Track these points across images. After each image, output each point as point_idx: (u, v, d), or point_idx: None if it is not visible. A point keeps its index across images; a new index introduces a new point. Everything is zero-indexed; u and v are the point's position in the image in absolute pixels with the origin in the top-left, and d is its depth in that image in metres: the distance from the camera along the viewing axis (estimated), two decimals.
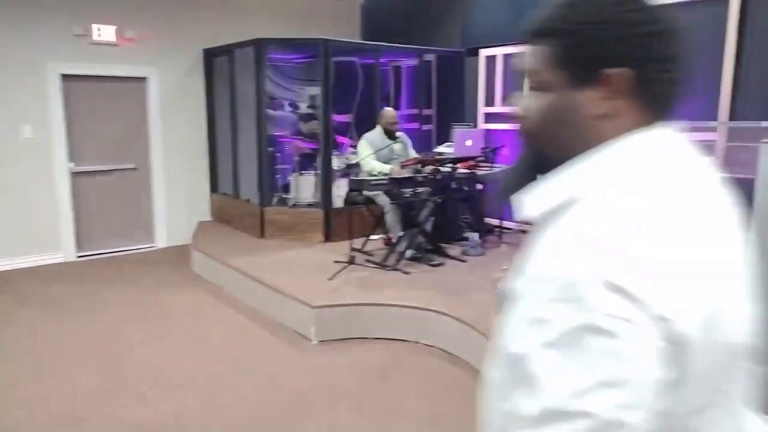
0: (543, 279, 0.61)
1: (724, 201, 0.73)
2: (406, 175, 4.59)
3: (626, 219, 0.62)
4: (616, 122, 0.70)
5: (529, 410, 0.59)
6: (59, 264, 5.64)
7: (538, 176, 0.74)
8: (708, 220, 0.68)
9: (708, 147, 2.18)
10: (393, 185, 4.54)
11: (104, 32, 5.65)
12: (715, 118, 4.18)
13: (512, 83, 5.76)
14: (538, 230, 0.69)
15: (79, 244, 5.81)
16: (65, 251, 5.73)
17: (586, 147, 0.70)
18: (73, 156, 5.69)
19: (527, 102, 0.76)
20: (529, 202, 0.73)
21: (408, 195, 4.68)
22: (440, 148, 5.86)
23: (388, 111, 5.11)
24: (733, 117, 4.17)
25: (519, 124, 0.78)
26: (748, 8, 4.08)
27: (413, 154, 5.20)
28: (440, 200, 4.81)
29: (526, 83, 0.76)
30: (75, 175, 5.73)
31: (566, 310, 0.58)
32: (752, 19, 4.08)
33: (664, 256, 0.60)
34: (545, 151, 0.76)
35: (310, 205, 5.83)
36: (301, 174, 6.08)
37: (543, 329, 0.59)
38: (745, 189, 1.83)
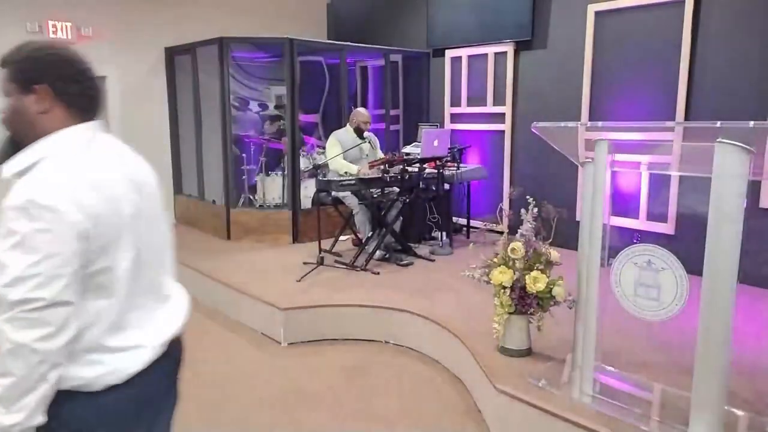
0: (8, 206, 1.09)
1: (125, 164, 1.29)
2: (374, 176, 4.59)
3: (56, 169, 1.15)
4: (52, 117, 1.22)
5: (2, 282, 1.07)
6: None
7: (15, 152, 1.20)
8: (107, 172, 1.22)
9: (665, 146, 2.24)
10: (361, 186, 4.53)
11: (60, 29, 5.48)
12: (672, 118, 4.32)
13: (478, 84, 5.84)
14: (13, 184, 1.14)
15: None
16: None
17: (39, 133, 1.21)
18: None
19: (2, 104, 1.23)
20: (7, 168, 1.20)
21: (376, 195, 4.69)
22: (407, 149, 5.89)
23: (363, 111, 5.08)
24: (688, 117, 4.32)
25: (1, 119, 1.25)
26: (702, 10, 4.24)
27: (381, 154, 5.20)
28: (408, 200, 4.84)
29: (1, 92, 1.23)
30: None
31: (22, 221, 1.07)
32: (706, 21, 4.24)
33: (74, 189, 1.13)
34: (18, 135, 1.23)
35: (277, 206, 5.78)
36: (268, 174, 6.03)
37: (10, 236, 1.08)
38: (702, 187, 1.90)
